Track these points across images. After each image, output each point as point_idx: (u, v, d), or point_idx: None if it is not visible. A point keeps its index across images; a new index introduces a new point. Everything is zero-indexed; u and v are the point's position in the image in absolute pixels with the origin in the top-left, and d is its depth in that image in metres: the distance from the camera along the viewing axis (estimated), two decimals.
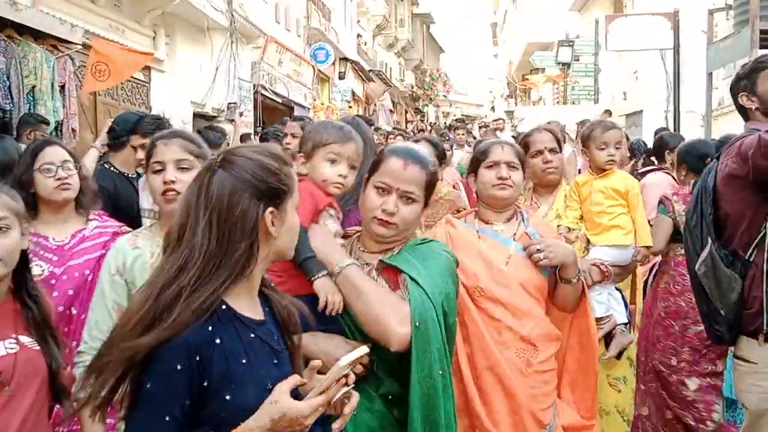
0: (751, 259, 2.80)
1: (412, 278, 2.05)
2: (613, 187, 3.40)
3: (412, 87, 40.52)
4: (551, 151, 3.45)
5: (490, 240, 2.66)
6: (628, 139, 7.01)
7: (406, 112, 39.57)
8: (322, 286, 2.06)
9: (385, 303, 2.01)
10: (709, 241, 2.90)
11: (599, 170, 3.49)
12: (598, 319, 3.11)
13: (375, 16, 31.80)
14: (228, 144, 7.01)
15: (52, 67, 7.15)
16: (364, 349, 1.63)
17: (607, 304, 3.26)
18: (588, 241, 3.39)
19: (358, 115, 7.12)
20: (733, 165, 2.83)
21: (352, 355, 1.56)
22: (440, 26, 48.14)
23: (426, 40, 44.63)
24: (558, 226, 3.33)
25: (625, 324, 3.31)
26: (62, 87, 7.39)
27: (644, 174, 5.78)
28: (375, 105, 28.51)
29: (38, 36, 7.11)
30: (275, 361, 1.61)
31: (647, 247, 3.48)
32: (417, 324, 1.98)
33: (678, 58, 11.64)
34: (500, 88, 49.71)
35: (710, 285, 2.85)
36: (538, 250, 2.55)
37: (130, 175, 4.17)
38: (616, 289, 3.38)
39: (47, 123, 6.27)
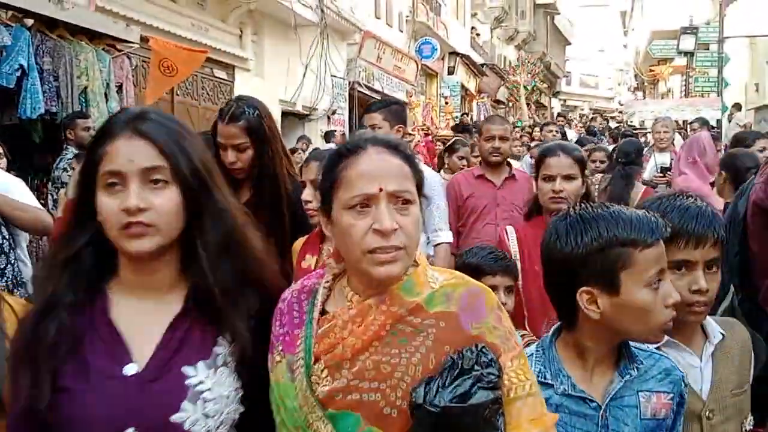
0: None
1: None
2: None
3: (538, 74, 39.02)
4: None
5: None
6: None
7: (528, 106, 38.25)
8: None
9: None
10: (731, 289, 2.12)
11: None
12: None
13: (492, 8, 30.82)
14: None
15: (108, 66, 7.04)
16: None
17: None
18: None
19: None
20: (761, 193, 2.05)
21: None
22: (566, 16, 46.19)
23: (550, 32, 42.96)
24: None
25: None
26: (119, 87, 7.29)
27: None
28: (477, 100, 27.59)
29: (94, 36, 7.02)
30: None
31: None
32: None
33: None
34: (629, 80, 47.08)
35: None
36: None
37: None
38: None
39: (86, 116, 6.12)
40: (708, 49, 18.95)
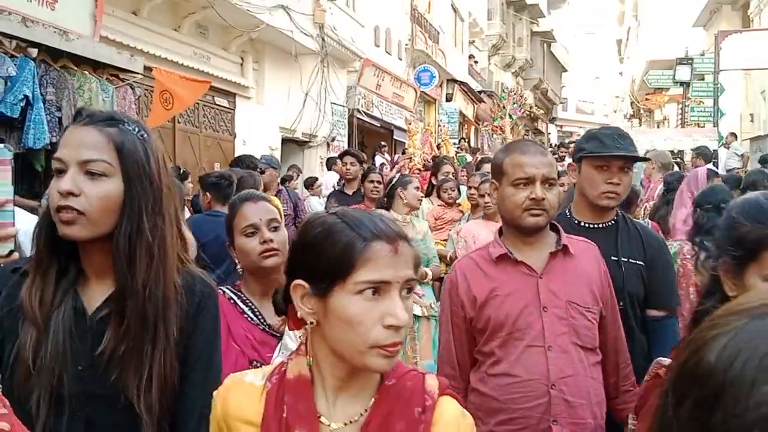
0: None
1: None
2: None
3: (531, 107, 39.35)
4: None
5: None
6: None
7: (527, 132, 38.46)
8: None
9: None
10: None
11: None
12: None
13: (490, 35, 31.15)
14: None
15: (111, 97, 7.09)
16: None
17: None
18: None
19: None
20: None
21: None
22: (563, 44, 46.66)
23: (546, 59, 43.36)
24: None
25: None
26: None
27: None
28: (482, 127, 27.77)
29: (97, 66, 7.07)
30: None
31: None
32: None
33: None
34: (626, 107, 47.43)
35: None
36: None
37: None
38: None
39: None
40: (703, 79, 19.13)
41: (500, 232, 2.34)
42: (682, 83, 18.10)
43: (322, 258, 1.25)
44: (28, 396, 1.44)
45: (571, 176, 2.73)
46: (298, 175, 11.68)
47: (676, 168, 8.92)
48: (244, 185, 5.63)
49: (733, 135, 15.86)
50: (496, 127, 28.86)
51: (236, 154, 11.70)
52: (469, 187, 6.19)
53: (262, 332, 2.23)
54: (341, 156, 7.70)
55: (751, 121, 16.99)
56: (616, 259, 2.51)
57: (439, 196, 6.75)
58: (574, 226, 2.58)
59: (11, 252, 1.58)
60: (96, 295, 1.53)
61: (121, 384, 1.46)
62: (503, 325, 2.18)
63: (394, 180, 5.47)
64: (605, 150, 2.57)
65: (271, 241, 2.26)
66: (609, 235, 2.58)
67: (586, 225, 2.62)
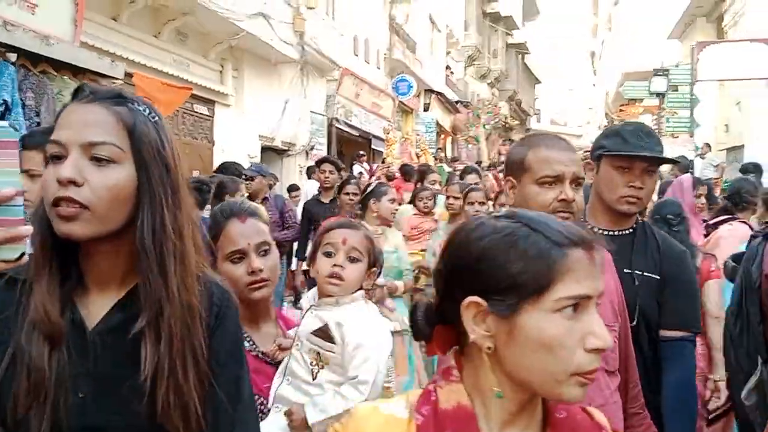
0: None
1: None
2: None
3: (506, 118, 39.61)
4: None
5: None
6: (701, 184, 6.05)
7: (502, 143, 38.68)
8: None
9: None
10: (759, 362, 2.05)
11: None
12: None
13: (466, 47, 31.33)
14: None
15: None
16: None
17: None
18: None
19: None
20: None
21: None
22: (537, 56, 47.10)
23: (521, 70, 43.72)
24: None
25: None
26: None
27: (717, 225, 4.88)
28: (458, 137, 27.86)
29: (77, 71, 6.93)
30: None
31: None
32: None
33: None
34: (599, 119, 47.94)
35: (762, 423, 1.98)
36: None
37: None
38: None
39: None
40: (677, 90, 19.39)
41: None
42: (657, 94, 18.34)
43: (508, 270, 1.04)
44: (23, 425, 1.21)
45: (587, 176, 2.37)
46: (275, 184, 11.58)
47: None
48: (225, 190, 5.55)
49: (708, 146, 16.08)
50: (471, 137, 28.91)
51: (215, 162, 11.59)
52: (448, 197, 6.09)
53: (255, 359, 1.97)
54: (319, 163, 7.35)
55: (726, 131, 17.24)
56: (629, 271, 2.24)
57: (414, 205, 6.64)
58: None
59: (22, 255, 1.26)
60: (96, 306, 1.29)
61: (148, 412, 1.21)
62: None
63: (369, 189, 5.20)
64: (628, 149, 2.26)
65: (260, 270, 1.98)
66: (624, 244, 2.27)
67: (601, 231, 2.31)
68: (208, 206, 4.88)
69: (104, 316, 1.28)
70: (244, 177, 6.15)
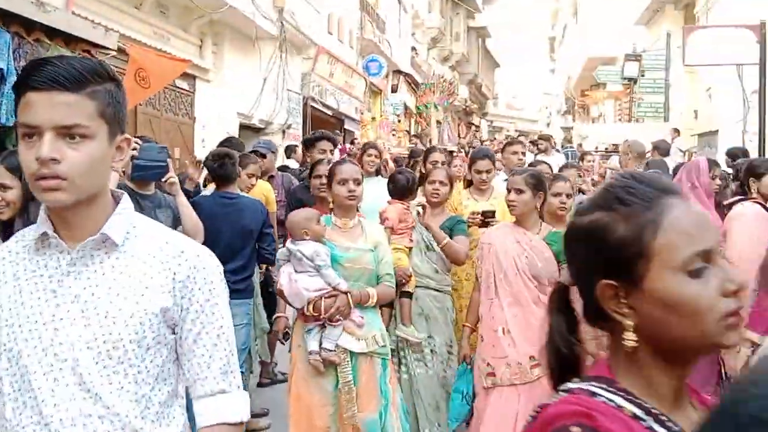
0: None
1: None
2: None
3: (466, 101, 39.70)
4: None
5: None
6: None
7: (459, 126, 38.75)
8: None
9: None
10: None
11: None
12: None
13: (430, 28, 31.19)
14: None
15: None
16: None
17: None
18: None
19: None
20: None
21: None
22: (496, 40, 47.26)
23: (481, 54, 43.83)
24: None
25: None
26: None
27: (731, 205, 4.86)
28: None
29: (70, 40, 6.59)
30: None
31: None
32: None
33: (766, 73, 10.57)
34: (557, 104, 48.48)
35: None
36: None
37: None
38: None
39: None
40: (644, 75, 19.66)
41: None
42: (630, 79, 18.57)
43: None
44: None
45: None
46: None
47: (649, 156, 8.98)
48: (241, 165, 5.33)
49: (676, 131, 16.34)
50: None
51: (196, 139, 11.25)
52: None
53: None
54: (314, 141, 6.02)
55: (695, 117, 17.55)
56: None
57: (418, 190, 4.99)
58: None
59: None
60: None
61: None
62: None
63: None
64: None
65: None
66: None
67: None
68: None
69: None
70: (258, 154, 5.93)
